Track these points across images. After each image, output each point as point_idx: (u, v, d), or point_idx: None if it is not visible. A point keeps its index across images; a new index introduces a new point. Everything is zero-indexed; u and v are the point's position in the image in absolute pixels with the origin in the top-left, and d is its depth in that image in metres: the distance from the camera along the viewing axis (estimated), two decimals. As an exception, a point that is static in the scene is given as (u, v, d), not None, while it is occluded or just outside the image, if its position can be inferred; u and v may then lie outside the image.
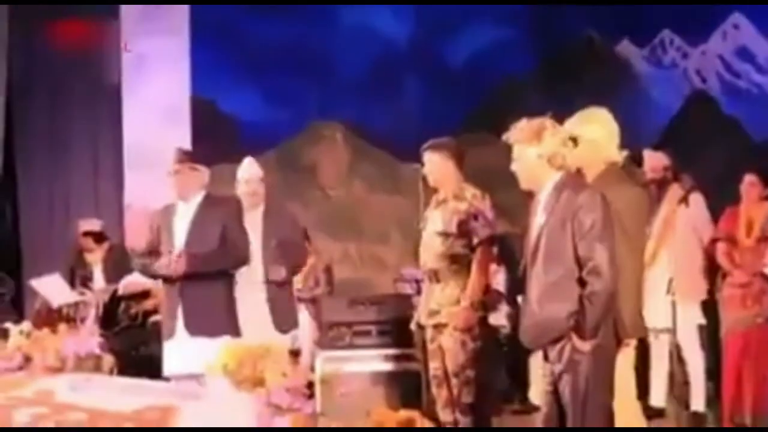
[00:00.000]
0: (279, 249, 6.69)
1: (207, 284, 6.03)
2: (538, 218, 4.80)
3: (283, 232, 6.78)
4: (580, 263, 4.60)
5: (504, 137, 4.98)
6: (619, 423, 4.66)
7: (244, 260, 6.17)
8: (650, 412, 6.57)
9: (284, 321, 6.67)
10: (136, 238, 9.87)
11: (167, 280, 6.15)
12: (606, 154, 5.01)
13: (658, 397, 7.25)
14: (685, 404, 7.18)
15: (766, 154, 9.45)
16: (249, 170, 6.87)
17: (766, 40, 10.48)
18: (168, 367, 6.03)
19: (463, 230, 6.16)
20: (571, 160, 4.86)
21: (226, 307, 6.08)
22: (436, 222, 6.28)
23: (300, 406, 3.87)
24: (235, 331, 5.97)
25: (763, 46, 10.53)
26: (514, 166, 4.92)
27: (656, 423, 6.72)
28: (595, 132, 5.02)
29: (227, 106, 11.49)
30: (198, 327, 5.98)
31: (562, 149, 4.81)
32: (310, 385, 6.47)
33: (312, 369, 6.90)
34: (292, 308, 6.92)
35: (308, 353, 7.96)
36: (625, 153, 5.04)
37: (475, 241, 6.14)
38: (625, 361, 4.94)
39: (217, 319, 5.94)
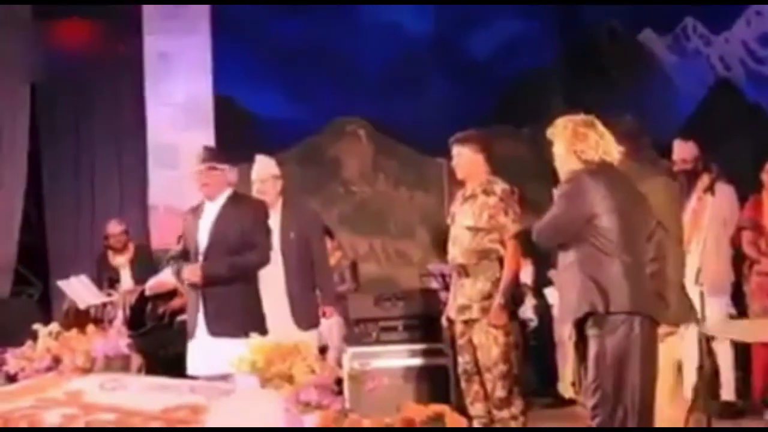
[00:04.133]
0: (298, 240, 6.69)
1: (229, 285, 6.00)
2: None
3: (301, 227, 6.77)
4: None
5: (548, 134, 5.05)
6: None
7: (262, 262, 6.09)
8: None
9: (305, 318, 6.68)
10: (161, 238, 9.96)
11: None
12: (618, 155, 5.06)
13: (686, 386, 7.23)
14: (714, 394, 7.14)
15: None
16: (261, 168, 6.86)
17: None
18: (191, 367, 6.02)
19: (494, 225, 6.17)
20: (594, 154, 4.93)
21: (249, 307, 6.04)
22: (465, 217, 6.27)
23: (329, 403, 3.87)
24: (261, 329, 5.97)
25: (788, 32, 10.45)
26: (556, 161, 5.07)
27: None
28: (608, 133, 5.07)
29: (250, 103, 11.50)
30: (219, 328, 5.97)
31: (591, 145, 4.89)
32: (339, 381, 6.50)
33: (340, 365, 6.91)
34: (315, 306, 6.92)
35: (335, 350, 7.97)
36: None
37: (506, 236, 6.15)
38: (667, 350, 4.99)
39: (239, 319, 5.88)
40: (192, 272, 6.01)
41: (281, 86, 11.53)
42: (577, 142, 4.97)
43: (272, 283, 6.52)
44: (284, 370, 4.11)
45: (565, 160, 5.03)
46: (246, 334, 5.56)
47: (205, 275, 5.98)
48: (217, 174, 6.11)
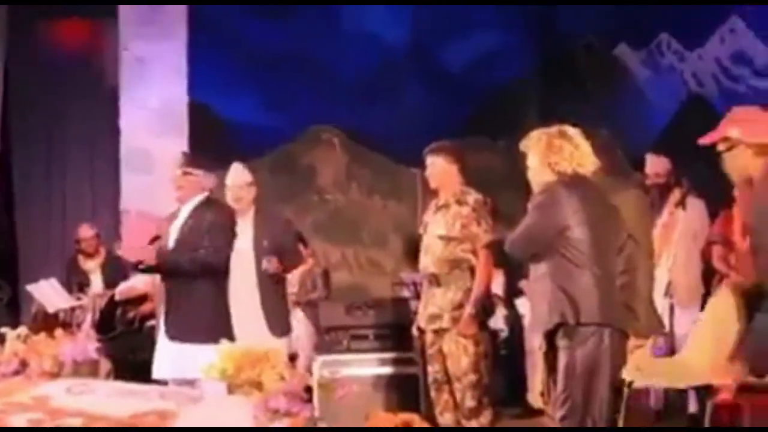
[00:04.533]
0: (270, 247, 6.68)
1: (191, 289, 6.00)
2: None
3: (274, 234, 6.76)
4: None
5: (521, 146, 5.08)
6: None
7: (217, 263, 6.02)
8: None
9: (278, 325, 6.66)
10: (133, 243, 9.90)
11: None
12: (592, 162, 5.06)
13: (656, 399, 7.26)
14: (682, 407, 7.17)
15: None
16: (235, 176, 6.84)
17: (763, 44, 10.46)
18: (156, 370, 6.02)
19: (466, 234, 6.19)
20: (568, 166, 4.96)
21: (211, 313, 6.01)
22: (437, 226, 6.30)
23: (298, 411, 3.86)
24: (223, 335, 5.96)
25: (761, 50, 10.50)
26: (529, 173, 5.11)
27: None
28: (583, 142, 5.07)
29: (225, 110, 11.46)
30: (177, 332, 5.99)
31: (565, 157, 4.91)
32: (308, 389, 6.49)
33: (310, 373, 6.90)
34: (286, 312, 6.92)
35: (306, 357, 7.96)
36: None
37: (479, 245, 6.18)
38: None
39: (199, 324, 5.90)
40: (146, 252, 6.04)
41: (256, 93, 11.50)
42: (551, 154, 5.00)
43: (245, 290, 6.52)
44: (254, 377, 4.10)
45: (538, 172, 5.05)
46: (205, 340, 5.59)
47: (161, 259, 6.01)
48: (192, 179, 6.13)
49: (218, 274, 6.07)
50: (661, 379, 4.87)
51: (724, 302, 4.87)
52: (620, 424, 4.93)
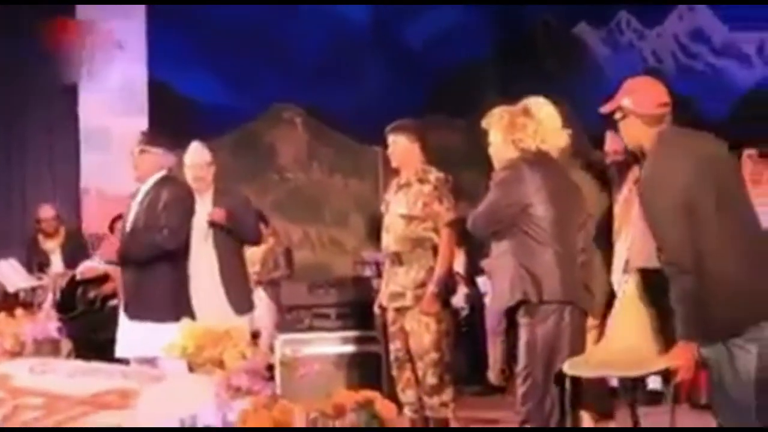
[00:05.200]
0: (229, 224, 6.66)
1: (150, 268, 5.99)
2: None
3: (233, 211, 6.73)
4: None
5: (483, 123, 5.09)
6: None
7: (171, 244, 5.99)
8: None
9: (240, 303, 6.65)
10: (92, 222, 9.87)
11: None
12: (554, 139, 5.08)
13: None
14: (643, 384, 7.24)
15: (720, 135, 9.52)
16: (194, 155, 6.81)
17: (721, 22, 10.54)
18: (118, 349, 6.04)
19: (428, 213, 6.20)
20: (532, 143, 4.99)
21: (168, 291, 6.01)
22: (399, 205, 6.30)
23: (260, 389, 3.86)
24: (182, 314, 5.96)
25: (718, 28, 10.60)
26: (491, 150, 5.09)
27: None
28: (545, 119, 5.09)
29: (185, 88, 11.37)
30: (136, 312, 6.00)
31: (528, 134, 4.93)
32: (270, 367, 6.51)
33: (272, 351, 6.93)
34: (248, 290, 6.92)
35: (268, 336, 7.98)
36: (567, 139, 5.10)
37: (441, 224, 6.19)
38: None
39: (156, 303, 5.92)
40: (103, 249, 6.13)
41: (217, 72, 11.44)
42: (515, 132, 5.02)
43: (205, 268, 6.52)
44: (215, 356, 4.10)
45: (501, 149, 5.06)
46: (165, 319, 5.60)
47: (118, 253, 6.05)
48: (149, 158, 6.12)
49: (176, 255, 6.07)
50: (612, 370, 4.86)
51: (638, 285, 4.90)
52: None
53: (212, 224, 6.62)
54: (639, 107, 4.41)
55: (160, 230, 5.95)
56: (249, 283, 7.04)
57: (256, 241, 7.34)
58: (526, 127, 5.01)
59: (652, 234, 4.27)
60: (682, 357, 4.24)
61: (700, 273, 4.08)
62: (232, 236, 6.72)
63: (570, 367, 4.79)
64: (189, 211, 6.16)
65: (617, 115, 4.47)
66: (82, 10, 10.46)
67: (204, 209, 6.60)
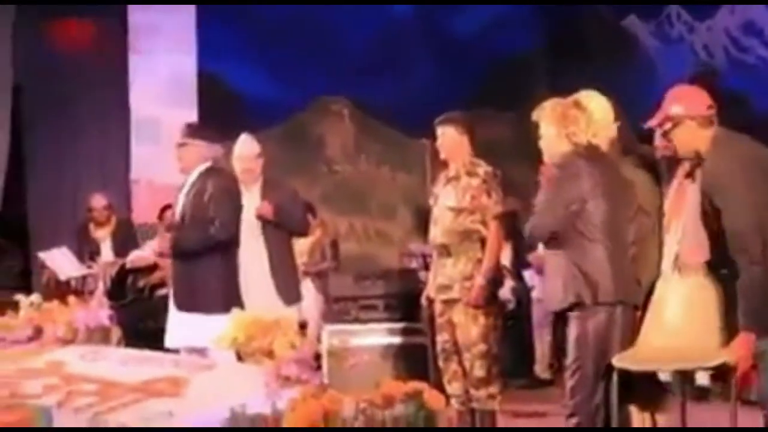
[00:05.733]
0: (278, 216, 6.69)
1: (199, 259, 6.06)
2: None
3: (282, 203, 6.77)
4: None
5: (534, 116, 5.04)
6: None
7: (223, 236, 6.07)
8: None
9: (289, 294, 6.69)
10: (142, 212, 9.97)
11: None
12: (605, 133, 5.06)
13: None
14: (691, 379, 7.19)
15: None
16: (243, 147, 6.83)
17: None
18: (167, 339, 6.12)
19: (476, 206, 6.20)
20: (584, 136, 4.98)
21: (222, 283, 6.08)
22: (448, 197, 6.30)
23: (308, 378, 3.89)
24: (231, 305, 6.01)
25: (771, 20, 10.50)
26: (542, 143, 5.04)
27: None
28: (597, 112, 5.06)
29: (234, 81, 11.46)
30: (184, 302, 6.08)
31: (581, 128, 4.92)
32: (318, 357, 6.54)
33: (319, 342, 6.97)
34: (296, 281, 6.96)
35: (315, 326, 8.01)
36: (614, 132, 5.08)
37: (489, 217, 6.19)
38: None
39: (205, 294, 5.99)
40: (158, 243, 6.22)
41: (266, 64, 11.50)
42: (568, 125, 4.96)
43: (255, 259, 6.56)
44: (264, 345, 4.14)
45: (554, 142, 5.00)
46: (214, 310, 5.66)
47: (171, 246, 6.14)
48: (193, 150, 6.20)
49: (227, 246, 6.11)
50: (662, 363, 4.85)
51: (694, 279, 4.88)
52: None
53: (260, 218, 6.65)
54: (692, 110, 4.50)
55: (212, 222, 6.01)
56: (297, 274, 7.07)
57: (305, 233, 7.38)
58: (579, 120, 4.97)
59: (726, 227, 4.42)
60: (742, 349, 4.27)
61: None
62: (281, 229, 6.75)
63: (618, 360, 4.77)
64: (236, 202, 6.21)
65: (666, 126, 4.56)
66: (134, 10, 10.54)
67: (253, 202, 6.64)
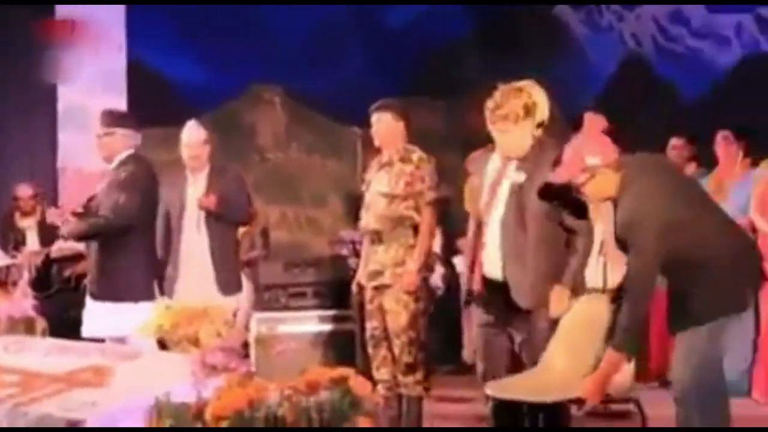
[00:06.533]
0: (221, 203, 6.68)
1: (113, 247, 6.06)
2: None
3: (226, 189, 6.78)
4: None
5: (492, 106, 4.95)
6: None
7: (114, 224, 6.06)
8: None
9: (228, 284, 6.73)
10: (69, 200, 9.84)
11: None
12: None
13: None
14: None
15: (698, 117, 9.60)
16: (190, 133, 6.84)
17: (700, 4, 10.57)
18: (84, 328, 6.13)
19: (410, 192, 6.23)
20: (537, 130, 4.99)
21: (136, 272, 6.09)
22: (381, 183, 6.32)
23: (235, 366, 3.90)
24: (149, 294, 6.02)
25: (698, 10, 10.62)
26: (504, 138, 4.96)
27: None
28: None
29: (164, 68, 11.34)
30: (98, 291, 6.09)
31: (537, 120, 4.93)
32: (246, 345, 6.54)
33: (248, 330, 6.97)
34: (237, 271, 7.00)
35: (244, 314, 7.98)
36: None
37: (422, 203, 6.22)
38: None
39: (122, 283, 6.00)
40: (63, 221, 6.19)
41: (196, 51, 11.40)
42: (531, 118, 4.95)
43: (197, 248, 6.62)
44: (191, 334, 4.14)
45: (520, 138, 4.93)
46: (122, 299, 5.65)
47: (66, 230, 6.21)
48: (111, 138, 6.22)
49: (135, 232, 6.08)
50: (525, 394, 4.88)
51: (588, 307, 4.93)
52: None
53: (203, 210, 6.66)
54: (608, 157, 4.51)
55: (111, 208, 6.00)
56: (239, 264, 7.09)
57: (248, 223, 7.49)
58: (536, 113, 4.97)
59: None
60: (591, 384, 4.48)
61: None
62: (224, 219, 6.78)
63: (491, 388, 4.84)
64: (143, 189, 6.18)
65: (581, 179, 4.50)
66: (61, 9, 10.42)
67: (198, 189, 6.69)
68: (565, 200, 4.81)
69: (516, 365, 5.03)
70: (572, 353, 4.75)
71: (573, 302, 4.88)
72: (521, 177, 4.92)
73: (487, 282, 5.03)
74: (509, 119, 4.88)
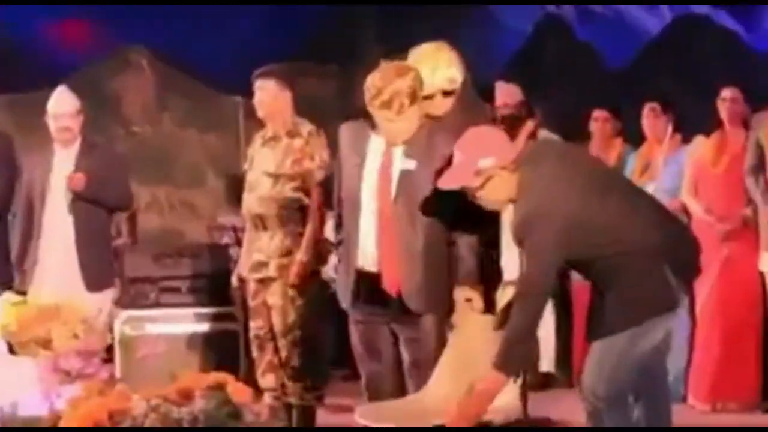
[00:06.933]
0: (93, 183, 6.59)
1: None
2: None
3: (101, 168, 6.72)
4: None
5: (366, 97, 4.81)
6: None
7: None
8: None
9: (96, 279, 6.69)
10: None
11: None
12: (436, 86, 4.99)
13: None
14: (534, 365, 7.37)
15: (619, 84, 9.73)
16: (59, 102, 6.78)
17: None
18: None
19: (297, 171, 6.20)
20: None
21: None
22: (265, 161, 6.29)
23: (94, 372, 3.87)
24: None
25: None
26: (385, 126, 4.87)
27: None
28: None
29: (15, 30, 11.15)
30: None
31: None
32: (110, 348, 6.44)
33: (111, 330, 6.86)
34: (108, 264, 6.96)
35: (106, 313, 7.88)
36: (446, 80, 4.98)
37: (312, 184, 6.19)
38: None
39: None
40: None
41: (53, 9, 11.22)
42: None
43: (60, 235, 6.57)
44: (42, 335, 4.09)
45: (412, 118, 4.84)
46: None
47: None
48: None
49: None
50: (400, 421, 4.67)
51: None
52: None
53: (71, 191, 6.59)
54: (504, 158, 4.42)
55: None
56: (110, 256, 7.05)
57: (126, 208, 7.44)
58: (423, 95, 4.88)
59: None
60: (458, 411, 4.38)
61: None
62: (95, 203, 6.71)
63: (363, 415, 4.83)
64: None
65: (475, 183, 4.42)
66: None
67: (66, 166, 6.61)
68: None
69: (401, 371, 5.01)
70: (461, 373, 4.61)
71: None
72: (410, 164, 4.82)
73: (361, 275, 4.96)
74: (392, 109, 4.74)
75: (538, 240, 4.34)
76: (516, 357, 4.40)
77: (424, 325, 4.87)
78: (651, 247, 4.44)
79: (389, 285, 4.84)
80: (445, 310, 4.86)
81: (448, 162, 4.56)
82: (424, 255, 4.80)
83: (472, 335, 4.74)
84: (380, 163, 4.89)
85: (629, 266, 4.41)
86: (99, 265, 6.73)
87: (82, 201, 6.59)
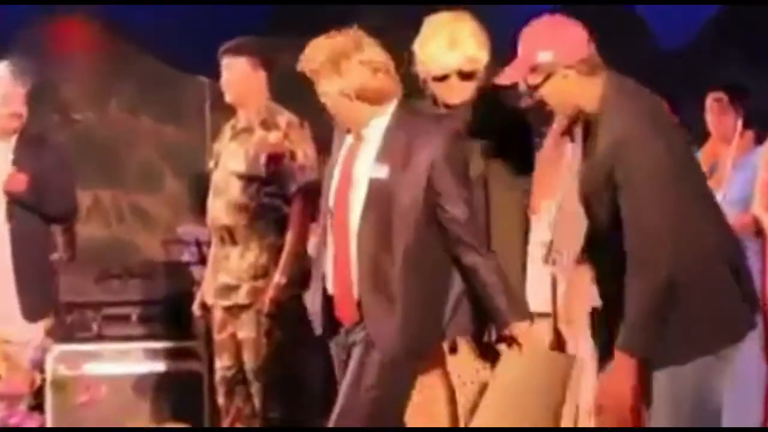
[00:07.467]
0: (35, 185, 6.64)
1: None
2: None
3: (44, 167, 6.75)
4: None
5: (299, 67, 4.81)
6: None
7: None
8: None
9: (35, 305, 6.72)
10: None
11: None
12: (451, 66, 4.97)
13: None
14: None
15: (675, 68, 9.76)
16: (7, 82, 6.80)
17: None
18: None
19: (274, 172, 6.22)
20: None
21: None
22: (235, 159, 6.34)
23: (18, 421, 3.85)
24: None
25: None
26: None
27: None
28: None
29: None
30: None
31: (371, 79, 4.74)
32: (39, 391, 6.45)
33: (41, 370, 6.85)
34: (48, 287, 6.97)
35: (35, 347, 7.91)
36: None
37: (293, 188, 6.21)
38: None
39: None
40: None
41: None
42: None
43: None
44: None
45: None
46: None
47: None
48: None
49: None
50: None
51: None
52: None
53: (8, 194, 6.65)
54: (568, 55, 4.43)
55: None
56: (52, 277, 7.09)
57: (67, 219, 7.53)
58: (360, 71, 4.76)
59: (625, 220, 4.32)
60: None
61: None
62: (36, 209, 6.76)
63: None
64: None
65: (533, 81, 4.46)
66: None
67: (2, 161, 6.69)
68: None
69: None
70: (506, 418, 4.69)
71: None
72: (382, 171, 4.69)
73: (329, 299, 4.86)
74: (317, 77, 4.75)
75: (646, 164, 4.28)
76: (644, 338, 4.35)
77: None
78: (724, 262, 4.42)
79: (341, 312, 4.75)
80: (426, 355, 4.78)
81: None
82: (402, 285, 4.68)
83: (518, 376, 4.78)
84: (344, 158, 4.81)
85: (702, 283, 4.38)
86: (38, 288, 6.79)
87: (19, 206, 6.65)
